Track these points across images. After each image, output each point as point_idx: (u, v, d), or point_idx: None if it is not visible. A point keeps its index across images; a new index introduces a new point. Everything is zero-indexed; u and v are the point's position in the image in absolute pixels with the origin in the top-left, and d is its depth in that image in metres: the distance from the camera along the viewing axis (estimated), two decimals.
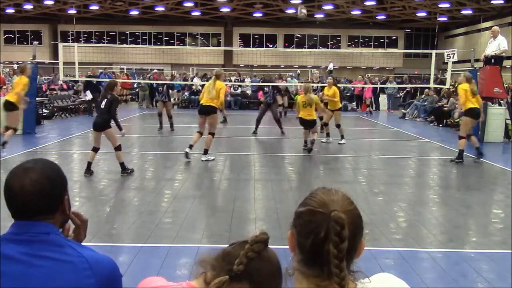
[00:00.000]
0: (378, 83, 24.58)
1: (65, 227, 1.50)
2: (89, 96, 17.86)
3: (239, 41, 41.75)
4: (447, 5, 33.89)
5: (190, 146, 9.44)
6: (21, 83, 10.09)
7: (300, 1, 35.25)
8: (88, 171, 7.92)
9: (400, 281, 1.20)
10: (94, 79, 18.25)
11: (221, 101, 9.61)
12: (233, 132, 13.31)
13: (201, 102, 9.76)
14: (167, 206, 6.35)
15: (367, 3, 34.72)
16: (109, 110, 7.90)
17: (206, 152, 9.45)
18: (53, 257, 1.32)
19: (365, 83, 22.71)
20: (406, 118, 19.67)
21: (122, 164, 8.03)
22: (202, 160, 9.36)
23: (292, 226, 1.15)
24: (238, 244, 1.25)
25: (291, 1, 35.17)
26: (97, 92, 18.35)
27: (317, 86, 17.81)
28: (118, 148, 8.01)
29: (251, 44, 41.18)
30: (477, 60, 14.62)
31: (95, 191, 7.21)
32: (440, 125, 16.93)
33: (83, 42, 36.85)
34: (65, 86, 21.98)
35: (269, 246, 1.25)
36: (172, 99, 23.49)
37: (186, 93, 23.48)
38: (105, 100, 7.94)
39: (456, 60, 14.88)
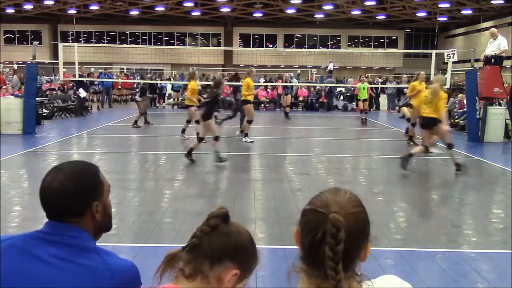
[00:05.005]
0: (378, 83, 24.55)
1: None
2: (83, 93, 17.80)
3: (239, 41, 41.75)
4: (447, 5, 33.91)
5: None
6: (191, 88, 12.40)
7: (300, 1, 35.27)
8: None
9: (404, 283, 1.19)
10: (85, 79, 18.24)
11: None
12: (232, 132, 13.31)
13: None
14: (167, 206, 6.34)
15: (367, 3, 34.73)
16: None
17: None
18: (76, 262, 1.32)
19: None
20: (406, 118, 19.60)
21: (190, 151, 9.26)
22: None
23: (298, 222, 1.14)
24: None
25: (291, 1, 35.17)
26: (88, 91, 18.60)
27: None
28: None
29: (251, 44, 41.18)
30: (477, 60, 14.61)
31: None
32: None
33: (83, 42, 36.85)
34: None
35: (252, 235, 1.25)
36: (172, 100, 23.63)
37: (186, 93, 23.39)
38: None
39: (456, 60, 14.86)
